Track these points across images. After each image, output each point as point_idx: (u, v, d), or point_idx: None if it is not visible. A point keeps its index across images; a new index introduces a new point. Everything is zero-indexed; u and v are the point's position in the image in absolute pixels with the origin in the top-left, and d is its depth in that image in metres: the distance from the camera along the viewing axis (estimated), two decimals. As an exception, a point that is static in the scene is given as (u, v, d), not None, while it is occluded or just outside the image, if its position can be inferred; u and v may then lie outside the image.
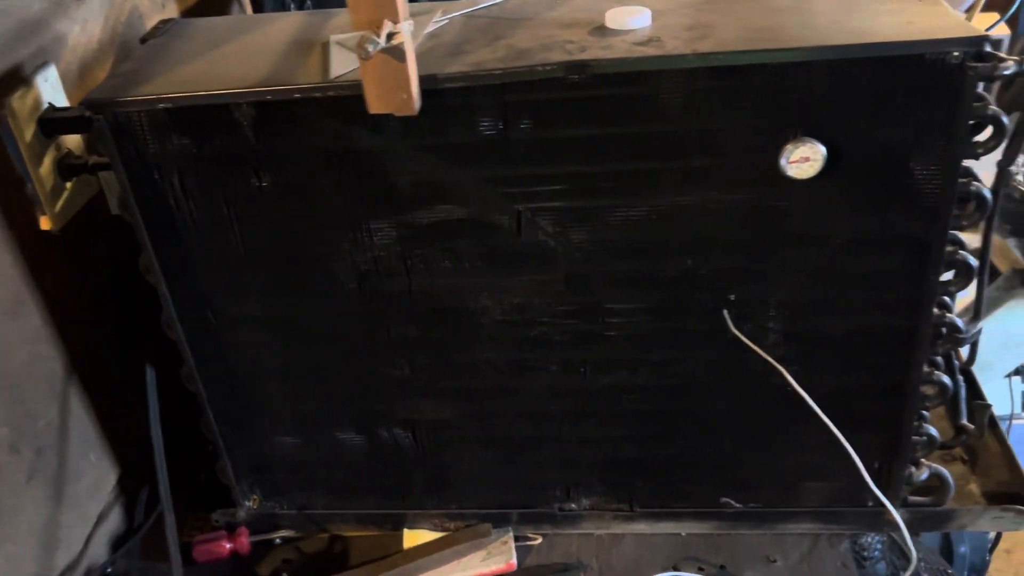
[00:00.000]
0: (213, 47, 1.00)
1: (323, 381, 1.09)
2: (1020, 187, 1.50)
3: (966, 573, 1.61)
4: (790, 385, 1.00)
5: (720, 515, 1.15)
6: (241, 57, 0.97)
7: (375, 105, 0.85)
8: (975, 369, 1.70)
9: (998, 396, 1.83)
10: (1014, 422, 1.87)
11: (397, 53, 0.81)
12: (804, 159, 0.86)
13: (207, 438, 1.15)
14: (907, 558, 1.20)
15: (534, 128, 0.89)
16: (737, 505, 1.14)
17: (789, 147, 0.86)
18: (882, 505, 1.11)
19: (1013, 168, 1.50)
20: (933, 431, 1.07)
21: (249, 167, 0.94)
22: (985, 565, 1.69)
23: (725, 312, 0.98)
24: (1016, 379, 1.85)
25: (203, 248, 1.00)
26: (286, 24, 1.05)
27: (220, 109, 0.90)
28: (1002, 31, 2.98)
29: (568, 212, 0.94)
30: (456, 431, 1.12)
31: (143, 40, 1.06)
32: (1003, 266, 1.70)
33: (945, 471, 1.11)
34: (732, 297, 0.98)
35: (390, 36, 0.80)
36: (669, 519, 1.16)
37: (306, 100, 0.89)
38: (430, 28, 0.97)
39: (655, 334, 1.02)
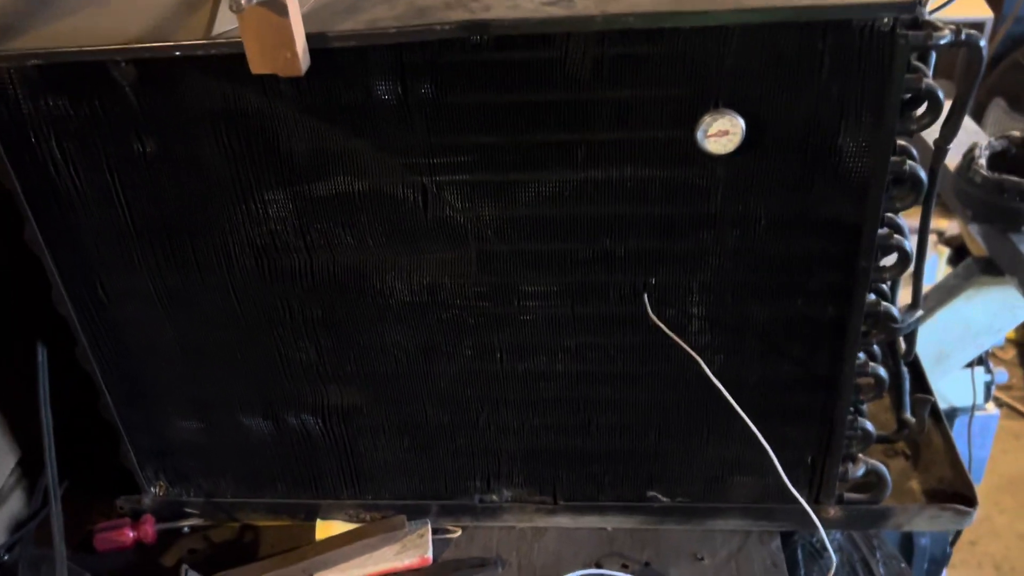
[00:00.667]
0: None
1: (222, 363, 1.03)
2: (981, 171, 1.43)
3: (926, 565, 1.56)
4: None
5: (647, 509, 1.09)
6: (126, 10, 0.89)
7: (257, 64, 0.78)
8: (934, 360, 1.65)
9: (960, 387, 1.78)
10: (976, 413, 1.83)
11: (276, 7, 0.74)
12: (723, 132, 0.79)
13: (105, 421, 1.09)
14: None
15: (436, 93, 0.83)
16: (664, 499, 1.08)
17: (707, 119, 0.79)
18: (817, 501, 1.07)
19: (976, 152, 1.45)
20: (869, 426, 1.01)
21: (131, 131, 0.87)
22: (946, 557, 1.65)
23: (645, 296, 0.92)
24: (979, 369, 1.80)
25: (88, 218, 0.93)
26: (185, -21, 0.97)
27: (96, 67, 0.83)
28: (986, 13, 2.91)
29: (476, 186, 0.88)
30: (367, 418, 1.06)
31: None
32: (975, 252, 1.64)
33: (882, 467, 1.05)
34: (652, 280, 0.92)
35: (268, -12, 0.73)
36: (593, 512, 1.10)
37: (188, 59, 0.82)
38: (332, -16, 0.89)
39: (572, 318, 0.95)
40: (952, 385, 1.78)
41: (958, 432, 1.73)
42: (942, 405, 1.44)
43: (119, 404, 1.07)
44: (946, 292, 1.59)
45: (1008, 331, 1.75)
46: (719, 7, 0.76)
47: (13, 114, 0.86)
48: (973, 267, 1.57)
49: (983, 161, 1.41)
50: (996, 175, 1.34)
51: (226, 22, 0.83)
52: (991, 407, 1.91)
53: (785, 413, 0.99)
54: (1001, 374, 1.93)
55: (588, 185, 0.86)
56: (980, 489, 1.10)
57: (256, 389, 1.05)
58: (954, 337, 1.63)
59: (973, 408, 1.81)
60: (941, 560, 1.62)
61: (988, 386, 1.85)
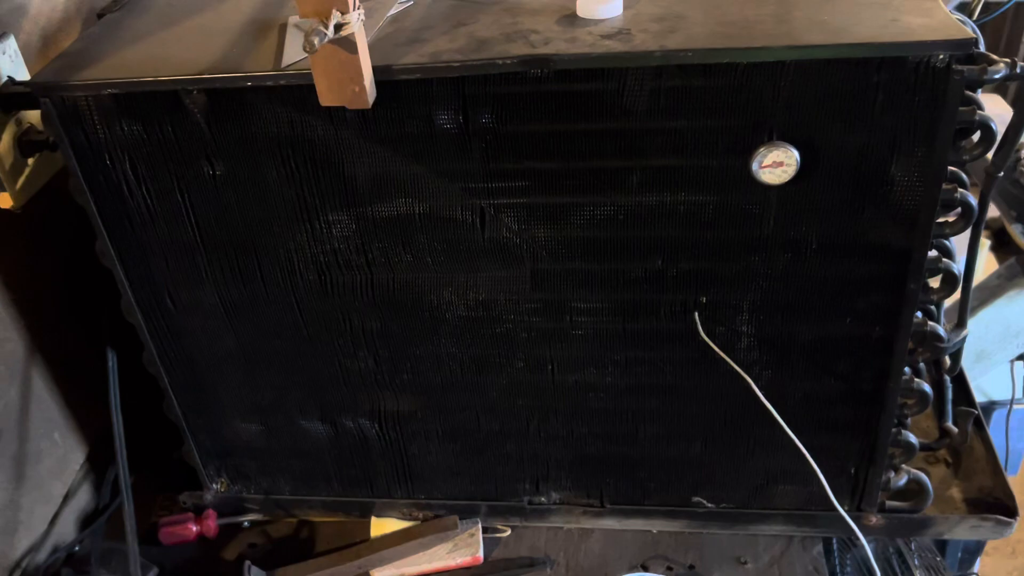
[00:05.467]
0: (168, 25, 0.96)
1: (282, 370, 1.07)
2: (1027, 173, 1.44)
3: (960, 554, 1.59)
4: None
5: (691, 514, 1.12)
6: (195, 38, 0.93)
7: (326, 98, 0.81)
8: (974, 358, 1.66)
9: (999, 380, 1.79)
10: (1015, 407, 1.83)
11: (347, 45, 0.77)
12: (777, 164, 0.81)
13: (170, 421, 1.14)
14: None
15: (495, 122, 0.85)
16: (709, 505, 1.11)
17: (762, 151, 0.81)
18: (859, 509, 1.09)
19: (1022, 153, 1.45)
20: (912, 438, 1.03)
21: (201, 155, 0.90)
22: (980, 546, 1.67)
23: (696, 315, 0.95)
24: (1018, 364, 1.80)
25: (159, 235, 0.97)
26: (248, 0, 1.00)
27: (168, 96, 0.87)
28: None
29: (532, 209, 0.90)
30: (420, 423, 1.10)
31: (100, 15, 1.02)
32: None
33: (924, 477, 1.08)
34: (703, 299, 0.94)
35: (338, 27, 0.75)
36: (639, 516, 1.14)
37: (258, 88, 0.85)
38: (392, 11, 0.92)
39: (623, 334, 0.98)
40: (992, 380, 1.78)
41: (997, 425, 1.74)
42: (980, 399, 1.45)
43: (183, 406, 1.12)
44: (988, 292, 1.59)
45: (1050, 329, 1.75)
46: (774, 43, 0.78)
47: (90, 139, 0.90)
48: (1016, 267, 1.58)
49: (1029, 163, 1.41)
50: (1042, 180, 1.34)
51: (294, 53, 0.86)
52: (1030, 400, 1.91)
53: (829, 426, 1.02)
54: (1042, 368, 1.93)
55: (641, 209, 0.89)
56: (1016, 479, 1.11)
57: (315, 395, 1.09)
58: (995, 336, 1.64)
59: (1012, 402, 1.81)
60: (975, 550, 1.64)
61: (1028, 379, 1.85)
